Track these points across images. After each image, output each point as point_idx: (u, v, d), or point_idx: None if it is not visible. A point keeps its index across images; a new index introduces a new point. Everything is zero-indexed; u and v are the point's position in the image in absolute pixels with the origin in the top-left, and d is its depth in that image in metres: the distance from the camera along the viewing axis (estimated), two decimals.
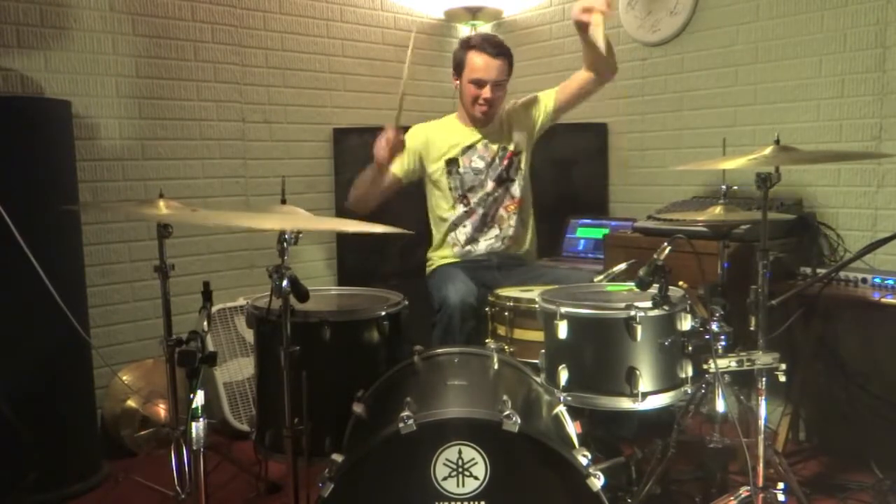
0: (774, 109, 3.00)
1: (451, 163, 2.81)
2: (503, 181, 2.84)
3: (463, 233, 2.84)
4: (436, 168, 2.82)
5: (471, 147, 2.82)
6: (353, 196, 2.80)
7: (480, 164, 2.81)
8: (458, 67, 2.77)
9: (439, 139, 2.83)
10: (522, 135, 2.86)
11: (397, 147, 2.61)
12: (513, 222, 2.86)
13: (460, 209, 2.83)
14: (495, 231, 2.85)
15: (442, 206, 2.86)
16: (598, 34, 2.38)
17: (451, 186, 2.82)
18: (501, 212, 2.85)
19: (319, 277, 3.58)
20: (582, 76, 2.75)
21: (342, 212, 3.54)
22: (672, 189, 3.33)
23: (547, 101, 2.84)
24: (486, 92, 2.70)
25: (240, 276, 3.35)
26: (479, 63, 2.69)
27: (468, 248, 2.83)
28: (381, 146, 2.58)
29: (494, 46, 2.71)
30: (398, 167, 2.78)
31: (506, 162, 2.84)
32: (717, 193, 2.40)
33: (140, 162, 3.06)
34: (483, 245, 2.83)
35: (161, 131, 3.11)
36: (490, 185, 2.82)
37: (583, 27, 2.44)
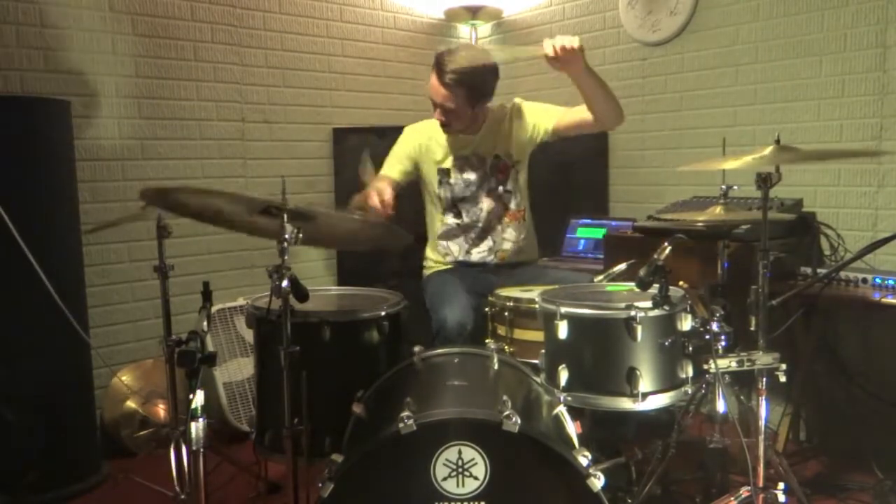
0: (774, 109, 3.00)
1: (443, 172, 2.74)
2: (500, 196, 2.74)
3: (455, 244, 2.78)
4: (427, 173, 2.76)
5: (463, 156, 2.73)
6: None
7: (472, 176, 2.72)
8: (434, 66, 2.59)
9: (434, 143, 2.75)
10: (523, 144, 2.73)
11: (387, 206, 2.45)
12: (507, 235, 2.76)
13: (450, 219, 2.76)
14: (488, 243, 2.76)
15: (433, 211, 2.82)
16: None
17: (440, 196, 2.75)
18: (496, 225, 2.76)
19: (319, 277, 3.58)
20: (581, 114, 2.55)
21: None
22: (672, 189, 3.33)
23: (548, 120, 2.66)
24: (437, 113, 2.62)
25: (240, 276, 3.35)
26: (430, 80, 2.60)
27: (461, 259, 2.78)
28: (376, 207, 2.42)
29: (445, 72, 2.51)
30: (396, 172, 2.72)
31: (500, 175, 2.73)
32: (716, 193, 2.40)
33: (140, 162, 3.06)
34: (476, 257, 2.76)
35: (161, 131, 3.11)
36: (484, 199, 2.73)
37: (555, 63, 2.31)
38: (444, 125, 2.66)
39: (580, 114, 2.57)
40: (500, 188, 2.74)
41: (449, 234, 2.79)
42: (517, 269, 2.79)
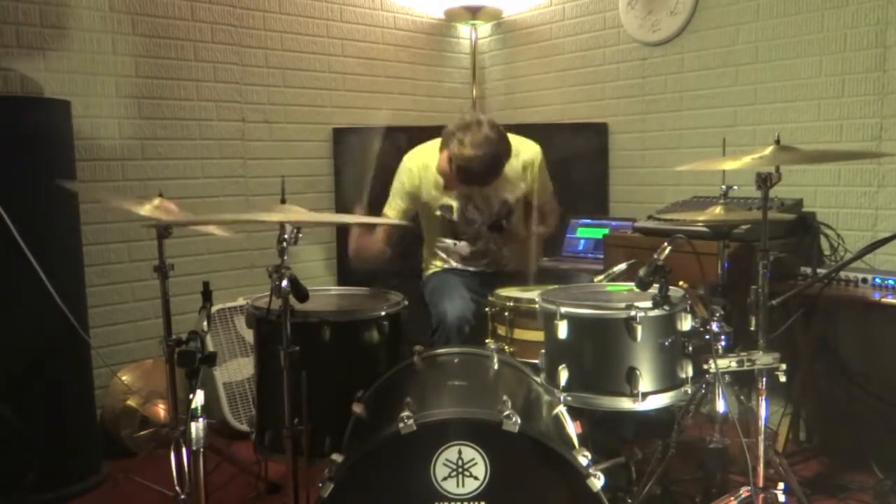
0: (774, 109, 3.00)
1: (446, 208, 2.71)
2: (499, 228, 2.73)
3: (453, 259, 2.81)
4: (429, 206, 2.72)
5: (467, 196, 2.68)
6: (353, 250, 2.66)
7: (475, 216, 2.72)
8: (445, 144, 2.53)
9: (435, 178, 2.64)
10: (525, 193, 2.73)
11: None
12: (505, 252, 2.81)
13: (448, 240, 2.78)
14: (485, 261, 2.80)
15: (431, 229, 2.82)
16: None
17: (442, 225, 2.76)
18: (493, 247, 2.79)
19: (319, 277, 3.58)
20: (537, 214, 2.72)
21: (342, 211, 3.54)
22: (672, 189, 3.33)
23: (541, 195, 2.75)
24: (446, 184, 2.62)
25: (240, 276, 3.34)
26: (440, 159, 2.55)
27: (460, 268, 2.79)
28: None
29: (455, 168, 2.46)
30: (395, 213, 2.67)
31: (505, 212, 2.74)
32: (716, 193, 2.40)
33: (140, 162, 3.06)
34: (473, 269, 2.79)
35: (161, 131, 3.10)
36: (485, 232, 2.74)
37: None
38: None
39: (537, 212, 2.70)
40: (503, 222, 2.74)
41: (447, 252, 2.81)
42: (514, 273, 2.80)
